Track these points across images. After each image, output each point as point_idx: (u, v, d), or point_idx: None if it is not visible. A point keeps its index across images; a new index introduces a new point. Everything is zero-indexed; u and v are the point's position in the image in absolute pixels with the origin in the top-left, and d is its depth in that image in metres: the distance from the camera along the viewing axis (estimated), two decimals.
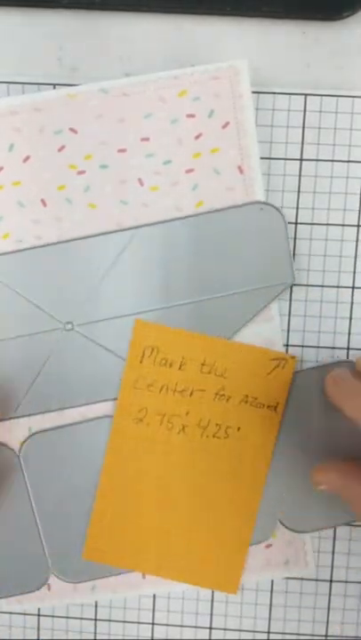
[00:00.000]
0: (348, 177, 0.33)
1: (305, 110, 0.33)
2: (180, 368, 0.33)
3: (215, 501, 0.33)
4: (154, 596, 0.35)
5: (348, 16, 0.32)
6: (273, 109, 0.33)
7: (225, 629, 0.35)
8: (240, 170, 0.32)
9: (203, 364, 0.33)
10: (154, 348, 0.33)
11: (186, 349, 0.33)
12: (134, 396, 0.33)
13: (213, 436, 0.33)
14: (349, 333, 0.34)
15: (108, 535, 0.34)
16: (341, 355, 0.34)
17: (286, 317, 0.34)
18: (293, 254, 0.33)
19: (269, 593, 0.35)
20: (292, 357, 0.33)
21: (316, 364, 0.34)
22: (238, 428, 0.33)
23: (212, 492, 0.33)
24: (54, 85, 0.33)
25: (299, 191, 0.33)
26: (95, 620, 0.35)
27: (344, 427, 0.33)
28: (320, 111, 0.33)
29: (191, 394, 0.33)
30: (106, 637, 0.35)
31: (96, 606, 0.35)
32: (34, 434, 0.34)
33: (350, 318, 0.34)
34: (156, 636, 0.35)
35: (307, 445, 0.33)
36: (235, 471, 0.33)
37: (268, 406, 0.33)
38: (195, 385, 0.33)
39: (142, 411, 0.33)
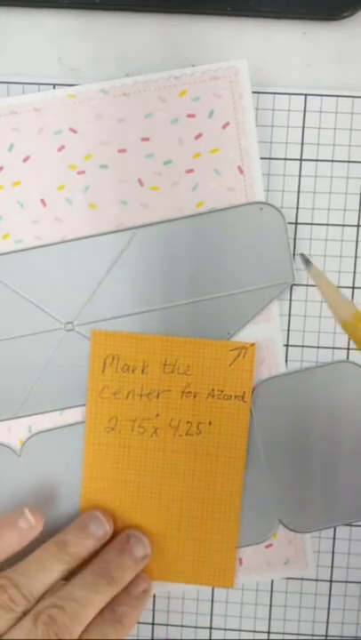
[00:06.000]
0: (348, 177, 0.33)
1: (305, 110, 0.33)
2: (142, 372, 0.33)
3: (198, 498, 0.33)
4: (154, 596, 0.35)
5: (348, 16, 0.32)
6: (273, 109, 0.33)
7: (225, 629, 0.35)
8: (240, 170, 0.32)
9: (165, 365, 0.33)
10: (114, 356, 0.33)
11: (146, 352, 0.33)
12: (102, 406, 0.33)
13: (186, 434, 0.33)
14: None
15: None
16: (341, 355, 0.34)
17: (286, 317, 0.34)
18: (293, 254, 0.33)
19: (269, 593, 0.35)
20: (252, 345, 0.33)
21: (316, 364, 0.34)
22: (209, 423, 0.33)
23: (193, 490, 0.33)
24: (54, 85, 0.33)
25: (299, 191, 0.33)
26: None
27: (344, 427, 0.33)
28: (320, 111, 0.33)
29: (158, 396, 0.33)
30: None
31: None
32: (34, 434, 0.34)
33: None
34: (156, 636, 0.35)
35: (307, 445, 0.33)
36: (213, 465, 0.33)
37: (236, 396, 0.33)
38: (160, 386, 0.33)
39: (112, 419, 0.33)
